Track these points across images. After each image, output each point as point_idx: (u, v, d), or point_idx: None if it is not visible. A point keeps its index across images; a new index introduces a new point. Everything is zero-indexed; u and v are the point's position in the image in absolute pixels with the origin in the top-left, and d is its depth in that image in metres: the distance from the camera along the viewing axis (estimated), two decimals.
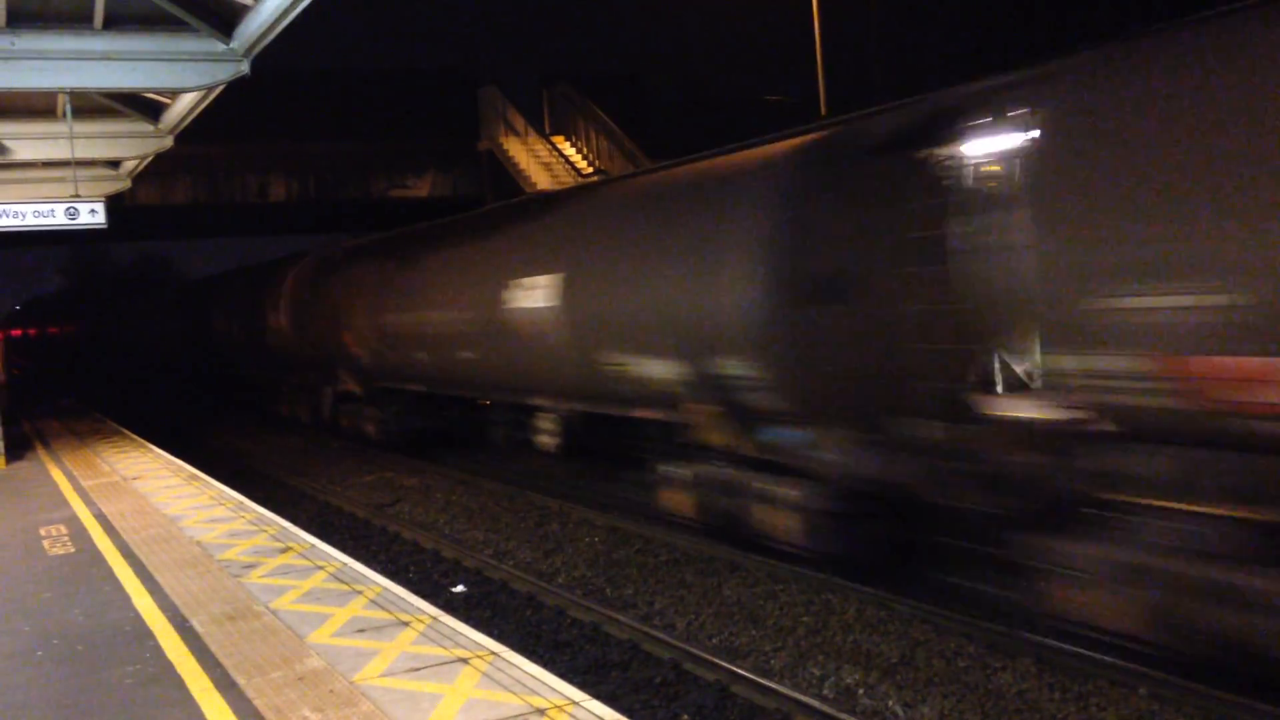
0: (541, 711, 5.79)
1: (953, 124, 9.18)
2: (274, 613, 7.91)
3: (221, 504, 12.63)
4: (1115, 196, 7.46)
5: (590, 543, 13.06)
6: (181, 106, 14.79)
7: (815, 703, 7.80)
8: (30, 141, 16.03)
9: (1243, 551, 7.06)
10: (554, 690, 6.09)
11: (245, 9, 10.76)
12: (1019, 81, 8.71)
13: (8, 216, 13.75)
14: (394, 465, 19.89)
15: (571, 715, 5.74)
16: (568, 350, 13.64)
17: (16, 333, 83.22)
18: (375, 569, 10.16)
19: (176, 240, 62.52)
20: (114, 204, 16.97)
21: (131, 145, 16.59)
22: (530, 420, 16.14)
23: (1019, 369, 8.68)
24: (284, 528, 11.07)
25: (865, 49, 28.71)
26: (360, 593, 8.34)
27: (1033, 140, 8.16)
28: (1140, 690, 7.63)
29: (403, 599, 8.15)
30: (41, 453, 18.59)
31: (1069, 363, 7.98)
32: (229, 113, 16.62)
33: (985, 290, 8.72)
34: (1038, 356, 8.37)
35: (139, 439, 20.08)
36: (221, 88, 12.69)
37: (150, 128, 16.03)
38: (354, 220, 36.04)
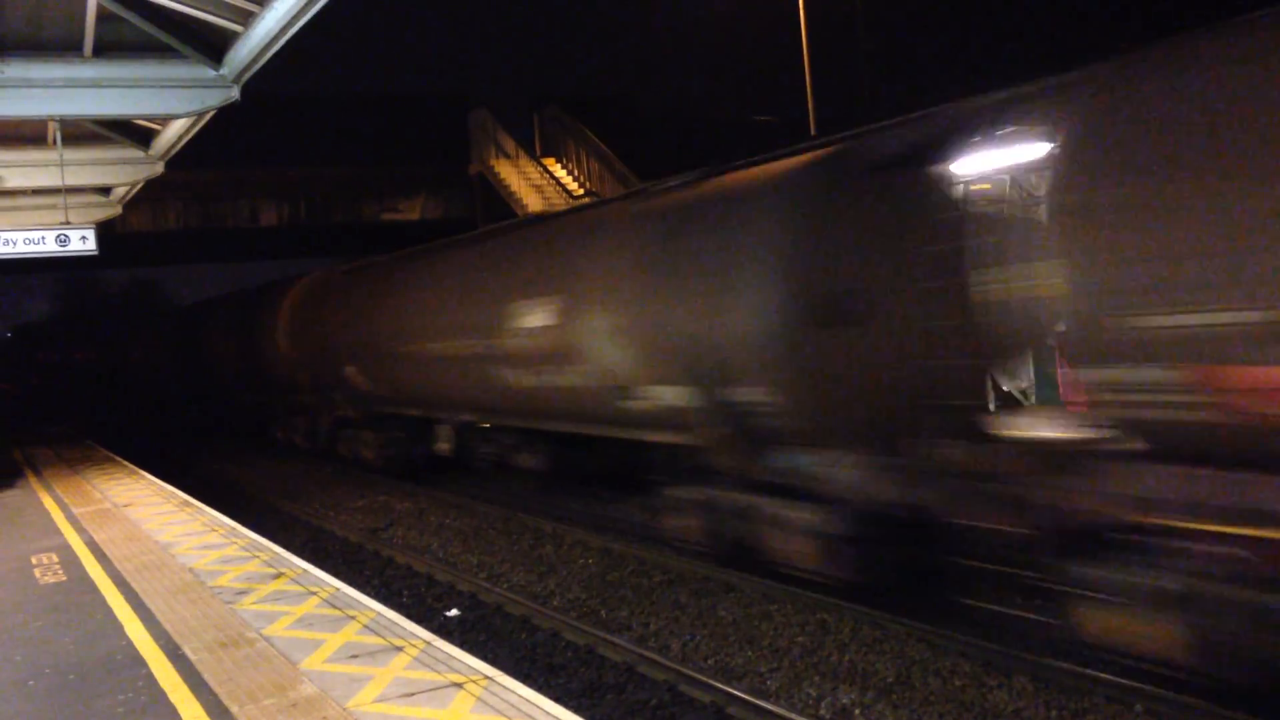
0: None
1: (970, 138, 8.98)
2: (267, 639, 7.87)
3: (214, 530, 12.58)
4: (1139, 211, 7.21)
5: (585, 565, 13.03)
6: (172, 133, 14.84)
7: None
8: (21, 169, 16.05)
9: None
10: (549, 714, 6.06)
11: (235, 36, 10.82)
12: (1037, 93, 8.53)
13: None
14: (387, 489, 19.83)
15: None
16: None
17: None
18: (368, 594, 10.13)
19: (167, 266, 62.42)
20: (105, 230, 16.97)
21: (122, 172, 16.64)
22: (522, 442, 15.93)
23: (1028, 386, 8.57)
24: (276, 554, 11.03)
25: (854, 71, 28.89)
26: (353, 618, 8.30)
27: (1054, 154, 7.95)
28: (1137, 707, 7.62)
29: (396, 624, 8.12)
30: (32, 480, 18.50)
31: (1092, 377, 7.67)
32: (219, 138, 16.66)
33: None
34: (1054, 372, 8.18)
35: (131, 465, 20.00)
36: (211, 114, 12.74)
37: (141, 154, 16.06)
38: (345, 244, 36.08)
